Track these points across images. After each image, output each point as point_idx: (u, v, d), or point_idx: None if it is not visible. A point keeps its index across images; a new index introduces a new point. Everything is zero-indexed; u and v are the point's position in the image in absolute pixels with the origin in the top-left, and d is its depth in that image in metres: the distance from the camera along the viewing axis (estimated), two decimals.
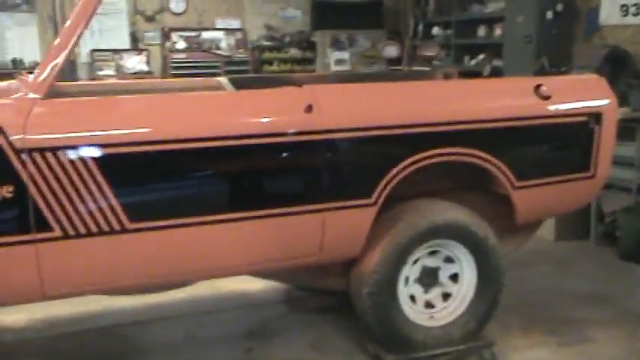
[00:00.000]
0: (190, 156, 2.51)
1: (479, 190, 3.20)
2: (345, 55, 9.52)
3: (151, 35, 9.44)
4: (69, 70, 8.03)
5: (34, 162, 2.25)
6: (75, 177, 2.30)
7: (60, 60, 2.35)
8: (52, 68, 2.34)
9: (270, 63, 9.74)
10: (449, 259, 3.07)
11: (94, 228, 2.36)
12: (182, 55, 9.04)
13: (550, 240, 5.16)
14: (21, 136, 2.24)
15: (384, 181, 2.76)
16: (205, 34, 9.52)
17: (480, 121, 2.89)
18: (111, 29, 9.17)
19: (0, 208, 2.26)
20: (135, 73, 8.76)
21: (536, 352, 3.26)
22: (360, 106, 2.73)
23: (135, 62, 8.99)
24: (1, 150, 2.22)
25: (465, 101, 2.93)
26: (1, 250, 2.27)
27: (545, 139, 3.08)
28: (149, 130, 2.42)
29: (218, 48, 9.33)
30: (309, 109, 2.63)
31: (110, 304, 3.73)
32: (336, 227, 2.74)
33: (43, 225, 2.29)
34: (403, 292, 2.98)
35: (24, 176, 2.25)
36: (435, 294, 3.09)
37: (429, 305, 3.09)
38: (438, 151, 2.82)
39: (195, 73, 8.60)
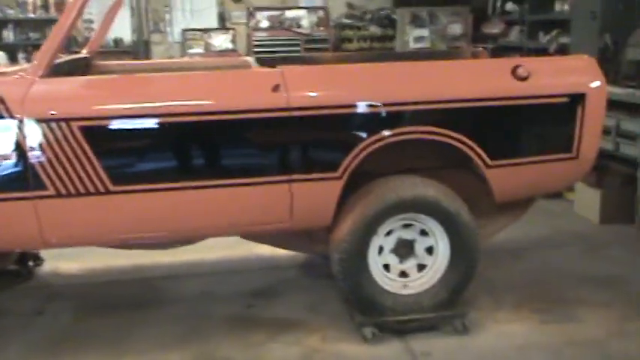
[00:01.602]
0: (169, 129, 2.86)
1: (462, 170, 3.31)
2: (424, 32, 9.50)
3: (238, 14, 9.94)
4: (143, 50, 8.72)
5: (30, 129, 2.70)
6: (63, 143, 2.73)
7: (54, 46, 2.78)
8: (47, 52, 2.78)
9: (350, 40, 9.92)
10: (424, 233, 3.23)
11: (81, 189, 2.79)
12: (264, 34, 9.45)
13: (595, 223, 5.08)
14: (20, 107, 2.70)
15: (350, 157, 2.97)
16: (288, 13, 9.87)
17: (448, 101, 3.02)
18: (201, 10, 9.78)
19: (4, 168, 2.74)
20: (221, 51, 9.29)
21: (514, 327, 3.35)
22: (325, 86, 2.95)
23: (221, 41, 9.54)
24: (4, 118, 2.69)
25: (433, 81, 3.05)
26: (6, 203, 2.76)
27: (521, 119, 3.13)
28: (125, 105, 2.80)
29: (299, 26, 9.65)
30: (276, 88, 2.89)
31: (150, 260, 4.24)
32: (304, 197, 3.01)
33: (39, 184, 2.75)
34: (376, 260, 3.19)
35: (22, 141, 2.71)
36: (410, 264, 3.27)
37: (403, 274, 3.27)
38: (402, 129, 2.98)
39: (276, 51, 9.01)
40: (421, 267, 3.28)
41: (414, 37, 9.60)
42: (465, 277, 3.23)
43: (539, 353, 3.07)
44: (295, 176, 2.97)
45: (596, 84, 3.16)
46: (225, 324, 3.44)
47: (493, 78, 3.09)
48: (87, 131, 2.76)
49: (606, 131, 5.32)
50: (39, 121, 2.73)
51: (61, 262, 4.31)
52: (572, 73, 3.19)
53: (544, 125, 3.17)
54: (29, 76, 2.79)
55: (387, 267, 3.25)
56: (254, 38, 9.37)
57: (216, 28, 9.82)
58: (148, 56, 8.87)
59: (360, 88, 2.98)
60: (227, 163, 2.97)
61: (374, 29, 9.96)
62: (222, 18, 9.94)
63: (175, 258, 4.31)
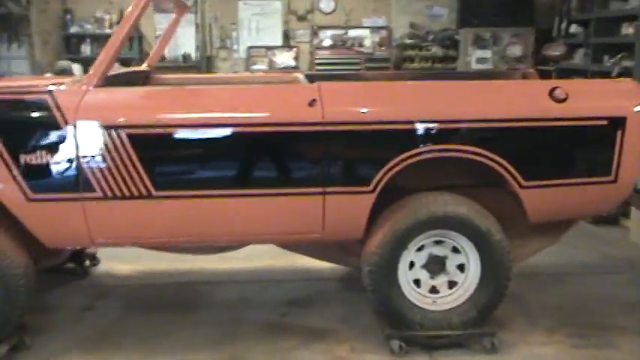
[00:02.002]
0: (210, 139, 3.02)
1: (497, 189, 3.32)
2: (487, 53, 9.47)
3: (301, 33, 10.19)
4: (205, 65, 9.06)
5: (83, 135, 2.92)
6: (111, 150, 2.93)
7: (107, 58, 2.99)
8: (101, 64, 3.00)
9: (412, 60, 9.98)
10: (456, 250, 3.26)
11: (126, 192, 2.98)
12: (326, 52, 9.65)
13: None
14: (74, 115, 2.92)
15: (382, 172, 3.05)
16: (351, 32, 10.05)
17: (482, 120, 3.05)
18: (266, 28, 10.09)
19: (58, 170, 2.96)
20: (283, 68, 9.54)
21: (545, 350, 3.31)
22: (359, 102, 3.04)
23: (284, 58, 9.80)
24: (59, 124, 2.92)
25: (469, 101, 3.09)
26: (58, 203, 2.97)
27: (557, 140, 3.12)
28: (168, 115, 2.98)
29: (361, 45, 9.79)
30: (312, 102, 3.01)
31: (196, 266, 4.42)
32: (336, 210, 3.10)
33: (88, 187, 2.95)
34: (406, 274, 3.23)
35: (74, 146, 2.92)
36: (441, 281, 3.29)
37: (434, 290, 3.30)
38: (434, 147, 3.03)
39: (338, 69, 9.18)
40: (452, 284, 3.30)
41: (476, 58, 9.59)
42: (495, 296, 3.22)
43: None
44: (328, 189, 3.06)
45: (638, 108, 3.12)
46: (259, 330, 3.56)
47: (530, 99, 3.10)
48: (134, 139, 2.95)
49: None
50: (90, 127, 2.94)
51: (115, 263, 4.55)
52: (613, 96, 3.16)
53: (581, 147, 3.15)
54: (84, 85, 3.01)
55: (417, 282, 3.28)
56: (316, 56, 9.58)
57: (280, 46, 10.10)
58: (210, 71, 9.22)
59: (393, 105, 3.06)
60: (264, 174, 3.10)
61: (436, 50, 9.99)
62: (286, 36, 10.21)
63: (220, 265, 4.49)
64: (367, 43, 9.96)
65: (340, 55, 9.63)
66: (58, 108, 2.94)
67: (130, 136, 2.94)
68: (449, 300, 3.28)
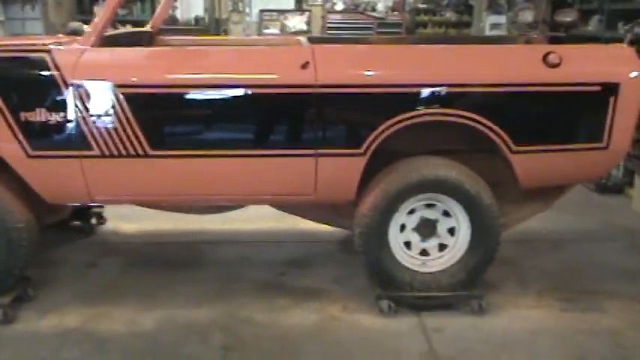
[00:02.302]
0: (203, 100, 3.08)
1: (489, 155, 3.34)
2: (501, 19, 9.31)
3: None
4: (214, 28, 9.05)
5: (80, 94, 2.99)
6: (108, 108, 3.00)
7: (104, 18, 3.04)
8: (98, 25, 3.05)
9: (425, 26, 9.89)
10: (447, 213, 3.30)
11: (123, 151, 3.05)
12: (338, 17, 9.58)
13: None
14: (72, 73, 2.98)
15: (373, 135, 3.08)
16: None
17: (473, 85, 3.06)
18: None
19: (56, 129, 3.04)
20: (294, 32, 9.50)
21: (532, 312, 3.37)
22: (351, 65, 3.06)
23: (296, 22, 9.77)
24: (58, 83, 2.99)
25: (460, 65, 3.10)
26: (57, 160, 3.06)
27: (550, 106, 3.12)
28: (163, 75, 3.03)
29: (374, 10, 9.71)
30: (305, 65, 3.04)
31: (199, 227, 4.52)
32: (328, 171, 3.15)
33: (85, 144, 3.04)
34: (397, 237, 3.29)
35: (72, 105, 2.99)
36: (432, 244, 3.35)
37: (424, 253, 3.36)
38: (428, 110, 3.06)
39: (349, 34, 9.13)
40: (442, 247, 3.35)
41: (490, 23, 9.43)
42: (484, 259, 3.28)
43: (548, 338, 3.10)
44: (321, 151, 3.11)
45: (633, 74, 3.11)
46: (255, 288, 3.66)
47: (522, 64, 3.10)
48: (129, 98, 3.01)
49: None
50: (87, 86, 3.01)
51: (121, 222, 4.67)
52: (607, 62, 3.15)
53: (573, 113, 3.15)
54: (82, 45, 3.07)
55: (408, 244, 3.34)
56: (328, 20, 9.52)
57: (293, 10, 10.04)
58: (219, 34, 9.21)
59: (385, 69, 3.08)
60: (256, 135, 3.16)
61: (450, 15, 9.87)
62: (299, 0, 10.15)
63: (222, 227, 4.59)
64: (380, 7, 9.87)
65: (352, 19, 9.55)
66: (57, 67, 3.01)
67: (125, 96, 3.01)
68: (439, 262, 3.34)
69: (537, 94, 3.09)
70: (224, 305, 3.43)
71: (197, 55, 3.20)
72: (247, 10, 10.10)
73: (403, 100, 3.06)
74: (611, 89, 3.09)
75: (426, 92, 3.05)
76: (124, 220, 4.68)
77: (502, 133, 3.11)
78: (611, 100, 3.09)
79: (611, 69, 3.12)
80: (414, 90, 3.04)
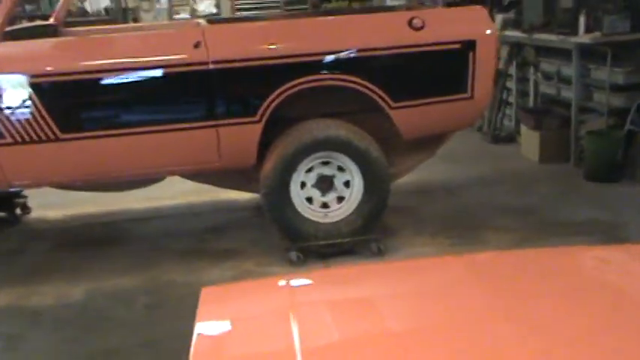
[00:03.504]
0: (105, 84, 3.34)
1: (374, 114, 3.72)
2: None
3: None
4: (122, 16, 9.18)
5: None
6: (16, 97, 3.23)
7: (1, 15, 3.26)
8: None
9: (330, 0, 10.24)
10: (341, 169, 3.68)
11: (35, 137, 3.29)
12: None
13: (534, 162, 5.49)
14: None
15: (265, 103, 3.42)
16: None
17: (349, 51, 3.43)
18: None
19: None
20: (205, 16, 9.67)
21: (426, 249, 3.82)
22: (238, 42, 3.39)
23: (206, 5, 9.93)
24: None
25: (338, 33, 3.47)
26: None
27: (418, 64, 3.54)
28: (61, 64, 3.28)
29: None
30: (197, 44, 3.34)
31: (122, 206, 4.77)
32: (229, 140, 3.48)
33: None
34: (299, 194, 3.65)
35: None
36: (331, 197, 3.72)
37: (325, 206, 3.73)
38: (310, 77, 3.42)
39: (258, 14, 9.36)
40: (340, 199, 3.73)
41: None
42: (377, 206, 3.67)
43: None
44: (220, 121, 3.43)
45: (487, 32, 3.55)
46: (177, 255, 3.96)
47: (391, 29, 3.50)
48: (35, 87, 3.24)
49: (549, 77, 5.70)
50: None
51: (46, 210, 4.86)
52: (464, 22, 3.58)
53: (440, 69, 3.58)
54: None
55: (310, 200, 3.71)
56: (236, 2, 9.75)
57: None
58: (126, 22, 9.30)
59: (270, 42, 3.41)
60: (160, 112, 3.45)
61: None
62: None
63: (147, 204, 4.85)
64: None
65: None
66: None
67: (32, 85, 3.24)
68: (338, 213, 3.72)
69: (407, 55, 3.49)
70: (148, 272, 3.72)
71: (97, 43, 3.45)
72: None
73: (286, 70, 3.40)
74: (469, 46, 3.52)
75: (306, 61, 3.41)
76: (50, 208, 4.86)
77: (380, 92, 3.50)
78: (471, 55, 3.53)
79: (467, 28, 3.55)
80: (296, 60, 3.39)
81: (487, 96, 3.64)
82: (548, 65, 5.66)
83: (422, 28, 3.47)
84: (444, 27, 3.54)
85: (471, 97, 3.60)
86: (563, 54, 5.35)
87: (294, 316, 1.25)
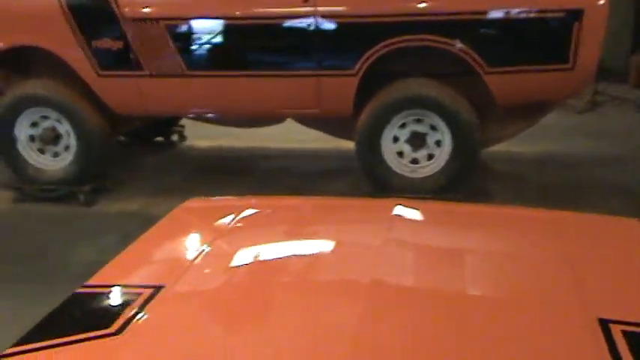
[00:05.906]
0: (224, 29, 3.84)
1: (474, 78, 3.77)
2: None
3: None
4: None
5: (129, 26, 3.84)
6: (153, 39, 3.84)
7: None
8: None
9: None
10: (434, 128, 3.83)
11: (166, 71, 3.90)
12: None
13: None
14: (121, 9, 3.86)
15: (363, 58, 3.67)
16: None
17: (448, 13, 3.53)
18: None
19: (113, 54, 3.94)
20: None
21: None
22: None
23: None
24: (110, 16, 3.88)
25: None
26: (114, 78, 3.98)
27: (517, 31, 3.51)
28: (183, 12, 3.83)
29: None
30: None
31: (259, 144, 5.38)
32: (328, 89, 3.80)
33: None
34: (390, 147, 3.87)
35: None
36: (422, 154, 3.89)
37: (414, 162, 3.91)
38: (406, 37, 3.58)
39: None
40: (430, 156, 3.88)
41: None
42: (463, 167, 3.78)
43: None
44: (322, 71, 3.76)
45: (599, 1, 3.41)
46: (287, 190, 4.41)
47: None
48: (169, 28, 3.83)
49: None
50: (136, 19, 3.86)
51: (199, 140, 5.62)
52: None
53: (540, 37, 3.52)
54: None
55: (401, 154, 3.90)
56: None
57: None
58: None
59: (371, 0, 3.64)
60: (270, 59, 3.89)
61: None
62: None
63: (280, 144, 5.39)
64: None
65: None
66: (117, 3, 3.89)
67: (167, 27, 3.82)
68: (427, 170, 3.88)
69: (507, 20, 3.49)
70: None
71: None
72: None
73: (384, 28, 3.60)
74: (576, 14, 3.42)
75: (403, 20, 3.58)
76: (201, 139, 5.61)
77: (476, 55, 3.56)
78: (576, 24, 3.42)
79: None
80: (394, 19, 3.58)
81: (591, 68, 3.51)
82: None
83: None
84: None
85: (572, 69, 3.51)
86: None
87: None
